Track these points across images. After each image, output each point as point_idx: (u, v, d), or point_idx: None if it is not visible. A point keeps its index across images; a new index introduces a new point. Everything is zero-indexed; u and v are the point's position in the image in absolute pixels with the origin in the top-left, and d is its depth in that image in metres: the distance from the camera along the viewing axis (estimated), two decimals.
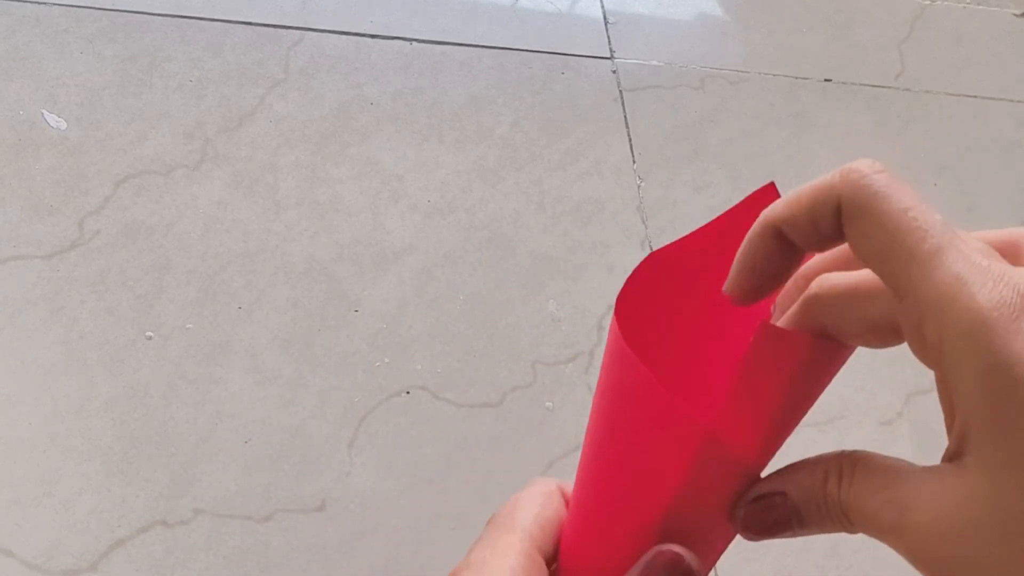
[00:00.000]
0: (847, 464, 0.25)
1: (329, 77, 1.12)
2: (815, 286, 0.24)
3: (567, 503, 0.29)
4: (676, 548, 0.25)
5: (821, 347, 0.24)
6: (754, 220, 0.25)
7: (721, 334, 0.28)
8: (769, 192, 0.27)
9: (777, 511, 0.25)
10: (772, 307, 0.27)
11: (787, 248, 0.24)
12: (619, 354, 0.25)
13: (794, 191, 0.24)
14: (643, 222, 1.10)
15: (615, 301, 0.25)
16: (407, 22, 1.20)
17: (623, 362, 0.25)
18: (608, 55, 1.24)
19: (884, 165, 0.23)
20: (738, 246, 0.25)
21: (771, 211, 0.24)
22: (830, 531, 0.25)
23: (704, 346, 0.28)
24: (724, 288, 0.25)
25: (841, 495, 0.24)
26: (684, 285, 0.28)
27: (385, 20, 1.20)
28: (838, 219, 0.23)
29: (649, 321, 0.27)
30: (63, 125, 1.01)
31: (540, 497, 0.28)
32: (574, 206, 1.09)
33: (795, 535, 0.25)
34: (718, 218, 0.27)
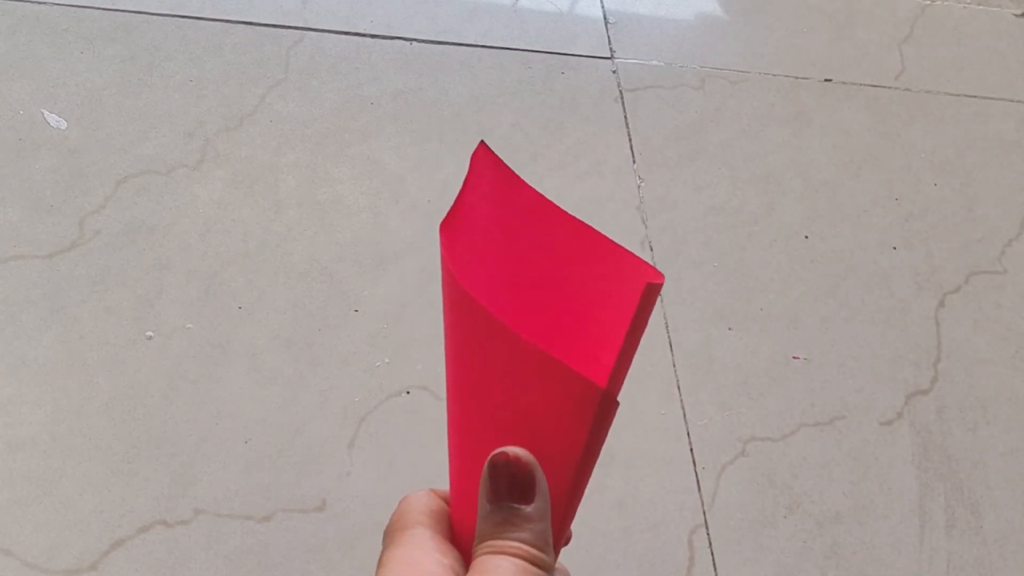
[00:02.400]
0: None
1: (329, 77, 1.12)
2: None
3: (444, 500, 0.30)
4: (511, 449, 0.26)
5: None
6: (490, 175, 0.29)
7: (526, 279, 0.30)
8: (482, 150, 0.30)
9: None
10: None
11: None
12: (497, 333, 0.26)
13: None
14: (643, 222, 1.10)
15: (455, 277, 0.26)
16: (407, 22, 1.20)
17: (510, 345, 0.25)
18: (608, 55, 1.24)
19: None
20: (495, 201, 0.29)
21: None
22: None
23: (517, 297, 0.30)
24: None
25: None
26: (479, 240, 0.30)
27: (385, 20, 1.20)
28: None
29: (473, 272, 0.29)
30: (63, 125, 1.01)
31: (418, 501, 0.29)
32: (574, 206, 1.09)
33: None
34: (465, 186, 0.29)
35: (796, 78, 1.29)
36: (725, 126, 1.21)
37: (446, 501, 0.30)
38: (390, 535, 0.28)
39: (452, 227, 0.28)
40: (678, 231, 1.10)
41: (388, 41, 1.18)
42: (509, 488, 0.25)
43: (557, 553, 0.27)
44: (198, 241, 0.97)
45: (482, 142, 0.30)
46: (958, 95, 1.33)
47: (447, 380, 0.29)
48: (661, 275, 0.27)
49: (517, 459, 0.26)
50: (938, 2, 1.44)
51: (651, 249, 1.08)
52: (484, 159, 0.30)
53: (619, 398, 0.26)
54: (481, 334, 0.26)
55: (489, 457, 0.26)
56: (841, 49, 1.34)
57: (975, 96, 1.33)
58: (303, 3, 1.18)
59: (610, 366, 0.26)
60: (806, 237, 1.13)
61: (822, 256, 1.12)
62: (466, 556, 0.28)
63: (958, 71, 1.36)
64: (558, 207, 0.31)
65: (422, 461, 0.89)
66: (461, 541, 0.28)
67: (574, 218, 0.30)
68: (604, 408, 0.25)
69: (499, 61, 1.20)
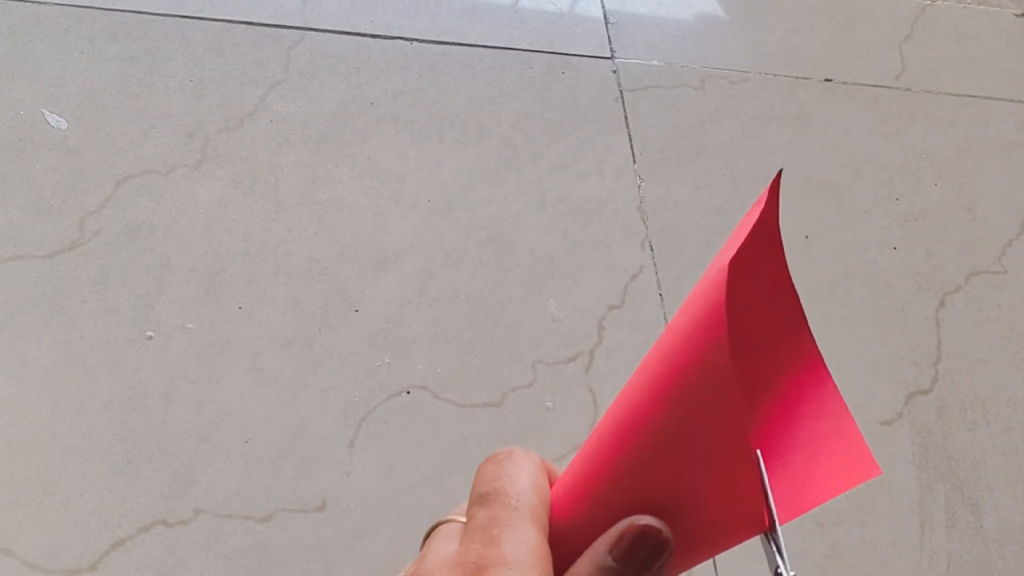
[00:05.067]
0: None
1: (329, 77, 1.12)
2: None
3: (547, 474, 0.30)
4: (665, 529, 0.26)
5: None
6: (771, 220, 0.27)
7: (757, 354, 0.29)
8: (775, 185, 0.28)
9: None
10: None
11: None
12: (731, 418, 0.24)
13: None
14: (643, 222, 1.10)
15: (724, 335, 0.24)
16: (407, 22, 1.20)
17: (734, 439, 0.25)
18: (608, 55, 1.24)
19: None
20: (763, 261, 0.28)
21: None
22: None
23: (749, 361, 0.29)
24: None
25: None
26: (746, 298, 0.29)
27: (385, 20, 1.20)
28: None
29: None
30: (63, 125, 1.01)
31: (538, 488, 0.28)
32: (574, 206, 1.09)
33: None
34: (758, 225, 0.27)
35: (796, 78, 1.29)
36: (725, 126, 1.21)
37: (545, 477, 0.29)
38: (499, 507, 0.26)
39: (738, 268, 0.26)
40: (678, 231, 1.10)
41: (388, 41, 1.18)
42: (640, 561, 0.26)
43: None
44: (198, 241, 0.97)
45: (779, 173, 0.28)
46: (958, 95, 1.33)
47: (628, 406, 0.27)
48: (880, 469, 0.27)
49: (667, 545, 0.26)
50: (938, 2, 1.44)
51: (651, 249, 1.08)
52: (773, 197, 0.28)
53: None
54: (713, 406, 0.25)
55: (644, 523, 0.26)
56: (841, 49, 1.34)
57: (975, 96, 1.33)
58: (303, 3, 1.18)
59: (790, 518, 0.27)
60: (806, 237, 1.13)
61: (822, 256, 1.12)
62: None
63: (958, 71, 1.36)
64: (802, 312, 0.29)
65: (422, 461, 0.89)
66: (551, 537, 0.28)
67: (812, 338, 0.29)
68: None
69: (499, 61, 1.20)
